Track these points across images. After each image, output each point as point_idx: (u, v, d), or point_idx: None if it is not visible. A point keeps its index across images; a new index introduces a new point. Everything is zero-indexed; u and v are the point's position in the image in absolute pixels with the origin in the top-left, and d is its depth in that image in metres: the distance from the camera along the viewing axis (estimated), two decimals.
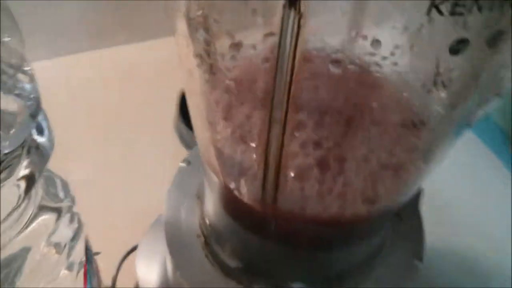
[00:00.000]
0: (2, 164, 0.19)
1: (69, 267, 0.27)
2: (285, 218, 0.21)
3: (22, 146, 0.20)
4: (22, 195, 0.20)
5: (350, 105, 0.19)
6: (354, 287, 0.25)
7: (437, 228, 0.39)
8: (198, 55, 0.18)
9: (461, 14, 0.12)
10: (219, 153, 0.21)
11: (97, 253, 0.31)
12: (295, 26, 0.13)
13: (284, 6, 0.13)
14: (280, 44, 0.14)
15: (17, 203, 0.21)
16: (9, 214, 0.20)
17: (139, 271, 0.33)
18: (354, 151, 0.19)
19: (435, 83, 0.15)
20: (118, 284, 0.35)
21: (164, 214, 0.27)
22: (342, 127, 0.19)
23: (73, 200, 0.26)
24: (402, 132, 0.18)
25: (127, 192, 0.43)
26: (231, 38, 0.17)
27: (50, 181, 0.26)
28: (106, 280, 0.34)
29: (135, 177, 0.45)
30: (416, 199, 0.29)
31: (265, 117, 0.17)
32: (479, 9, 0.12)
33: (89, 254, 0.28)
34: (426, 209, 0.29)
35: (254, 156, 0.18)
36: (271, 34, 0.15)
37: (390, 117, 0.17)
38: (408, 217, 0.28)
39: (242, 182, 0.21)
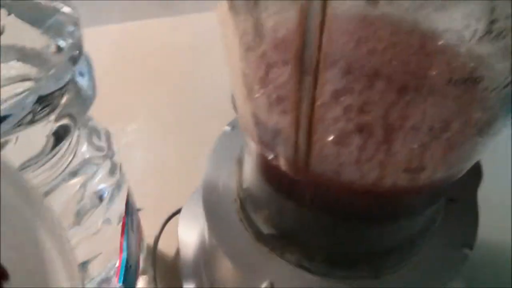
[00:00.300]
0: (41, 104, 0.19)
1: (109, 219, 0.27)
2: (318, 183, 0.19)
3: (61, 90, 0.20)
4: (54, 140, 0.20)
5: (398, 66, 0.18)
6: (395, 265, 0.24)
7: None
8: (236, 14, 0.17)
9: None
10: (255, 117, 0.20)
11: (139, 209, 0.31)
12: None
13: None
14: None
15: (52, 147, 0.21)
16: (43, 157, 0.20)
17: (181, 233, 0.33)
18: (399, 117, 0.18)
19: (490, 32, 0.13)
20: (160, 244, 0.35)
21: (203, 176, 0.27)
22: (389, 90, 0.18)
23: (115, 152, 0.26)
24: (455, 95, 0.16)
25: (177, 154, 0.44)
26: None
27: (95, 131, 0.26)
28: (150, 239, 0.35)
29: (187, 141, 0.45)
30: (474, 183, 0.27)
31: (297, 77, 0.16)
32: None
33: (129, 208, 0.28)
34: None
35: (287, 118, 0.17)
36: None
37: (442, 75, 0.15)
38: (463, 201, 0.26)
39: (276, 145, 0.19)
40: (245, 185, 0.25)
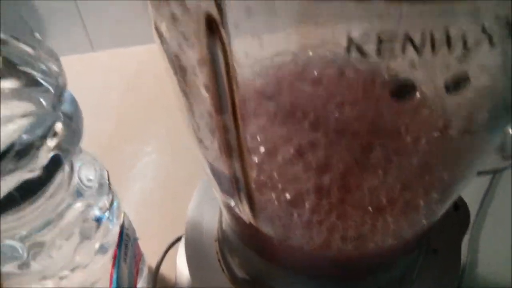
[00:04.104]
0: (21, 152, 0.21)
1: (102, 251, 0.29)
2: (270, 239, 0.20)
3: (44, 135, 0.22)
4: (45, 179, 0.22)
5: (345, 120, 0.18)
6: None
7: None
8: (171, 68, 0.18)
9: None
10: (205, 162, 0.21)
11: (136, 239, 0.32)
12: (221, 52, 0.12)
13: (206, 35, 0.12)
14: (213, 70, 0.13)
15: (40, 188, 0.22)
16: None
17: (179, 262, 0.34)
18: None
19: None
20: (164, 269, 0.37)
21: (188, 213, 0.28)
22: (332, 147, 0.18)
23: (109, 188, 0.28)
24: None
25: (188, 179, 0.45)
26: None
27: (87, 167, 0.27)
28: (154, 263, 0.36)
29: (193, 171, 0.46)
30: (459, 233, 0.26)
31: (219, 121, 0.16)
32: None
33: (123, 239, 0.29)
34: None
35: (226, 163, 0.17)
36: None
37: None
38: (445, 251, 0.25)
39: (226, 194, 0.20)
40: (224, 226, 0.26)
